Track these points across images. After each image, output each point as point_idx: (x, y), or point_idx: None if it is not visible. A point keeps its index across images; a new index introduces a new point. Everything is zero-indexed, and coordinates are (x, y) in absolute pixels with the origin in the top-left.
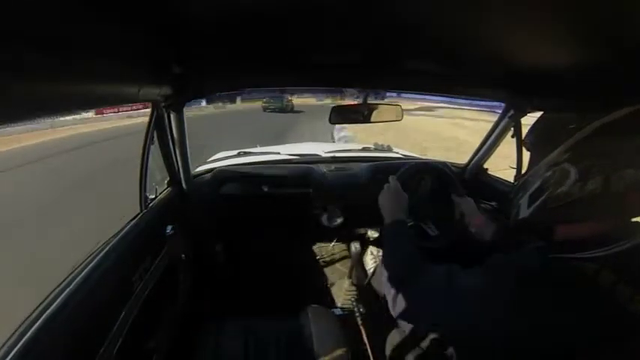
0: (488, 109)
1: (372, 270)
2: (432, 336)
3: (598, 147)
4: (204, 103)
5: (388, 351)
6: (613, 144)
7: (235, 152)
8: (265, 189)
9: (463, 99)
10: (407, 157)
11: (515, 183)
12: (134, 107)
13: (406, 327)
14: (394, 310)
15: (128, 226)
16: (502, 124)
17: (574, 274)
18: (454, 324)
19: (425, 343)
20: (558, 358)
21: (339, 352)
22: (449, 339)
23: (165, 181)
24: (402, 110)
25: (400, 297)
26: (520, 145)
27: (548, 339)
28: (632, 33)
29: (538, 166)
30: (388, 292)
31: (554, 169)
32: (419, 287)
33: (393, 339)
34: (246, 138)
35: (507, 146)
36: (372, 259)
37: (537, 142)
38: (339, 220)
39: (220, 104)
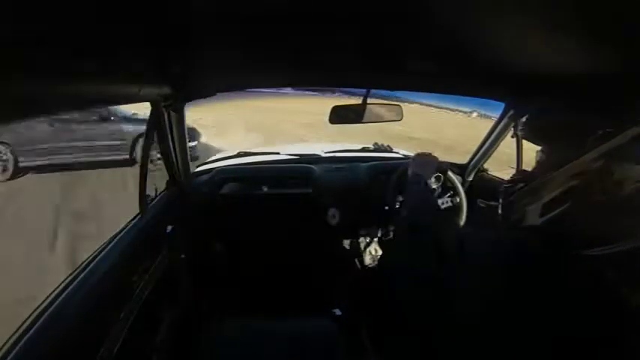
0: None
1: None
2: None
3: (631, 155)
4: None
5: (387, 345)
6: None
7: (235, 152)
8: (265, 189)
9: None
10: (407, 157)
11: (519, 185)
12: None
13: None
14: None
15: (128, 227)
16: (502, 124)
17: (575, 268)
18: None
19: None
20: (552, 349)
21: (339, 351)
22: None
23: (165, 181)
24: (402, 110)
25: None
26: (520, 145)
27: (542, 326)
28: (633, 33)
29: (558, 173)
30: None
31: (582, 177)
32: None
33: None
34: None
35: None
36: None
37: (555, 143)
38: (339, 220)
39: None
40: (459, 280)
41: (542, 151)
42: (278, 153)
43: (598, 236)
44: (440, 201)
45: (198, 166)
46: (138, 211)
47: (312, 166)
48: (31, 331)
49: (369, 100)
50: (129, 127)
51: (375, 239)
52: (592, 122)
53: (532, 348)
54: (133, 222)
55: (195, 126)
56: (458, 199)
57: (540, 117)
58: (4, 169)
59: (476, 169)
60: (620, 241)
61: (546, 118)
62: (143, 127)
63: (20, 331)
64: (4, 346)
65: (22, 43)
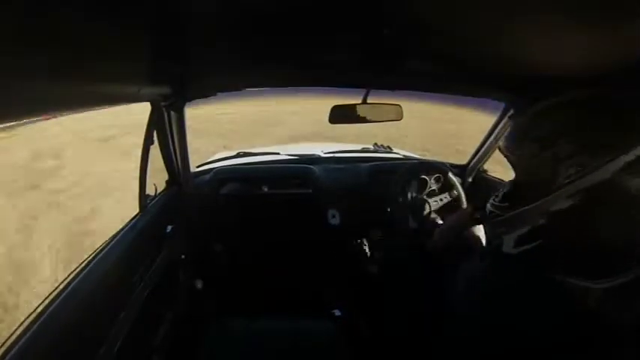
0: None
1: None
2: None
3: (605, 196)
4: None
5: (388, 345)
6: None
7: (235, 152)
8: (265, 189)
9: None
10: (407, 158)
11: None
12: None
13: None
14: None
15: (128, 226)
16: (502, 124)
17: (566, 296)
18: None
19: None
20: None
21: (339, 351)
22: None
23: (165, 181)
24: (402, 110)
25: None
26: None
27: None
28: (633, 33)
29: (530, 209)
30: None
31: (550, 216)
32: None
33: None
34: None
35: None
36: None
37: (531, 173)
38: (339, 220)
39: None
40: (458, 286)
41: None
42: (278, 153)
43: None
44: (438, 197)
45: (198, 166)
46: (138, 211)
47: (312, 167)
48: (31, 331)
49: (369, 100)
50: None
51: (375, 239)
52: (591, 122)
53: (529, 350)
54: (133, 222)
55: None
56: (458, 201)
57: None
58: None
59: (475, 170)
60: (621, 272)
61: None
62: None
63: (20, 330)
64: (3, 345)
65: (22, 43)
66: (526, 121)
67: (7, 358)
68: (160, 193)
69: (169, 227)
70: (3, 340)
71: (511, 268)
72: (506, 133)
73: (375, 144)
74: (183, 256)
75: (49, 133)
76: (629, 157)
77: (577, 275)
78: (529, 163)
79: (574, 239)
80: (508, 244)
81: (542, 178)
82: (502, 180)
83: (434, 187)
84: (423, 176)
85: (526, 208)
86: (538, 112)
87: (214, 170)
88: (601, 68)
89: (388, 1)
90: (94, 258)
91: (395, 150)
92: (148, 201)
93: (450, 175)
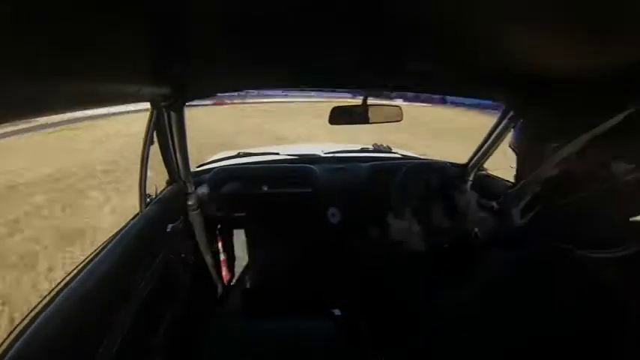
0: None
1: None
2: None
3: (592, 156)
4: None
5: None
6: (610, 151)
7: (235, 152)
8: (265, 189)
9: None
10: (406, 157)
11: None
12: None
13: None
14: None
15: (128, 226)
16: (502, 124)
17: (574, 267)
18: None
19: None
20: (548, 343)
21: (339, 351)
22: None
23: (165, 181)
24: (402, 111)
25: None
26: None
27: (538, 320)
28: (633, 33)
29: (528, 180)
30: None
31: (544, 183)
32: None
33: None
34: None
35: None
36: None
37: (528, 148)
38: (339, 220)
39: None
40: (458, 282)
41: (539, 152)
42: (278, 153)
43: (599, 238)
44: (438, 197)
45: (198, 166)
46: (138, 210)
47: (312, 166)
48: (30, 330)
49: (368, 101)
50: None
51: (375, 239)
52: (591, 122)
53: (529, 343)
54: (133, 222)
55: None
56: (459, 199)
57: (539, 119)
58: None
59: (476, 169)
60: (623, 245)
61: (545, 119)
62: None
63: (20, 328)
64: (3, 343)
65: (21, 42)
66: (532, 124)
67: (7, 357)
68: (160, 193)
69: (169, 227)
70: (2, 340)
71: (512, 264)
72: (515, 133)
73: (375, 144)
74: (183, 256)
75: None
76: (588, 135)
77: (587, 247)
78: (532, 155)
79: (567, 205)
80: (516, 216)
81: (537, 161)
82: (502, 179)
83: (434, 186)
84: (423, 176)
85: (527, 179)
86: (541, 115)
87: (214, 170)
88: (600, 69)
89: (388, 1)
90: (94, 257)
91: (395, 150)
92: (148, 200)
93: (451, 174)
